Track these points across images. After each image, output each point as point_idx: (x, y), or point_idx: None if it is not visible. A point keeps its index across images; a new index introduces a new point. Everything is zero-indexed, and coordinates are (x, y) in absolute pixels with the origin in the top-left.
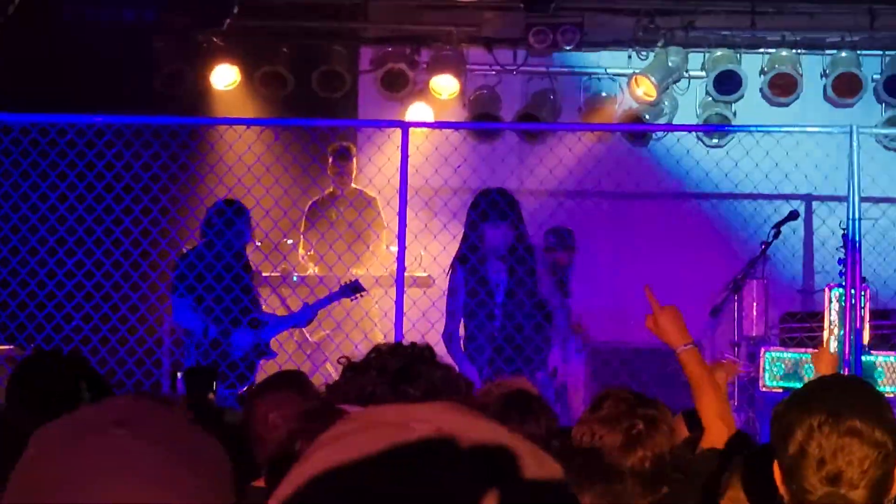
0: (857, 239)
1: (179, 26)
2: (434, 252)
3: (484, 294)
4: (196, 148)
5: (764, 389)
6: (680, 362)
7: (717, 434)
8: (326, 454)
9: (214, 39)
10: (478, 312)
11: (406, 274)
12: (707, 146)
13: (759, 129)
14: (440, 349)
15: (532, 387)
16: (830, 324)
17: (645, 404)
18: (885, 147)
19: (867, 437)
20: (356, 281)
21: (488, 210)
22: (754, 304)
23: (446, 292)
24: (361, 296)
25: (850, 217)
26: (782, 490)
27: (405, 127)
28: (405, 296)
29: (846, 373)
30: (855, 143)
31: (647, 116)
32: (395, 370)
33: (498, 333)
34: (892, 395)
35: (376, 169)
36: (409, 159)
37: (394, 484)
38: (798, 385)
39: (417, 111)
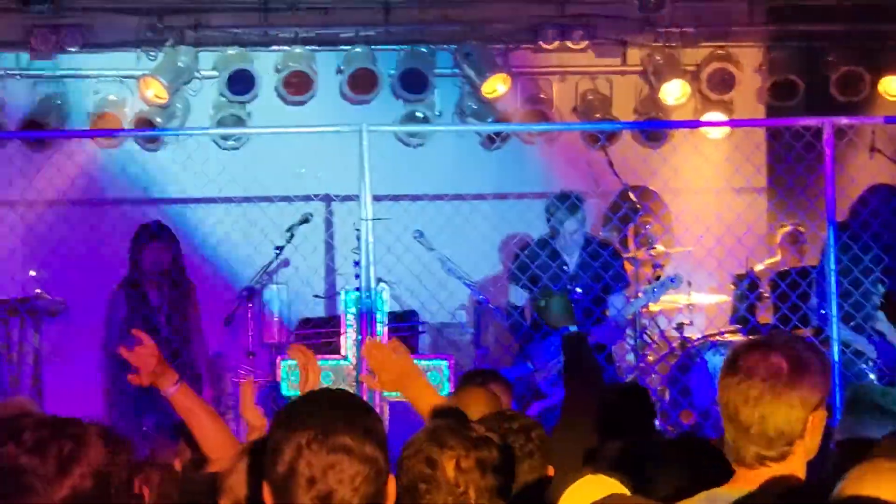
0: (369, 240)
1: None
2: None
3: (147, 311)
4: None
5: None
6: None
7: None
8: None
9: None
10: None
11: None
12: (223, 149)
13: (268, 130)
14: None
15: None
16: (347, 328)
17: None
18: (405, 144)
19: (357, 454)
20: None
21: (142, 234)
22: (274, 310)
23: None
24: None
25: (363, 217)
26: None
27: None
28: None
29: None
30: (365, 143)
31: (159, 119)
32: None
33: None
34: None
35: None
36: None
37: None
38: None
39: None
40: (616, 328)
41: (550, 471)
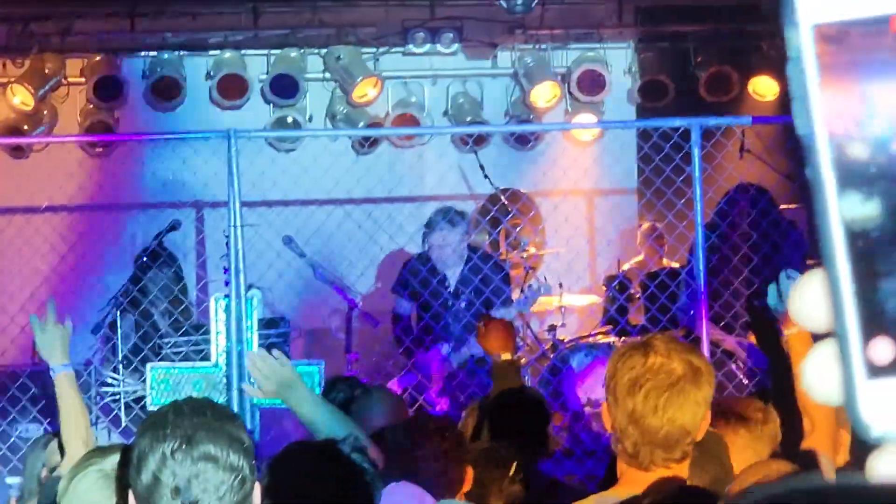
0: (239, 246)
1: None
2: None
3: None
4: None
5: (152, 408)
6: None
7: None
8: None
9: None
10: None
11: None
12: (90, 155)
13: (135, 136)
14: None
15: None
16: (217, 335)
17: None
18: (276, 149)
19: (222, 462)
20: None
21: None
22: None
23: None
24: None
25: (232, 224)
26: None
27: None
28: None
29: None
30: (234, 149)
31: (26, 127)
32: None
33: None
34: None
35: None
36: None
37: None
38: None
39: None
40: None
41: (470, 472)
